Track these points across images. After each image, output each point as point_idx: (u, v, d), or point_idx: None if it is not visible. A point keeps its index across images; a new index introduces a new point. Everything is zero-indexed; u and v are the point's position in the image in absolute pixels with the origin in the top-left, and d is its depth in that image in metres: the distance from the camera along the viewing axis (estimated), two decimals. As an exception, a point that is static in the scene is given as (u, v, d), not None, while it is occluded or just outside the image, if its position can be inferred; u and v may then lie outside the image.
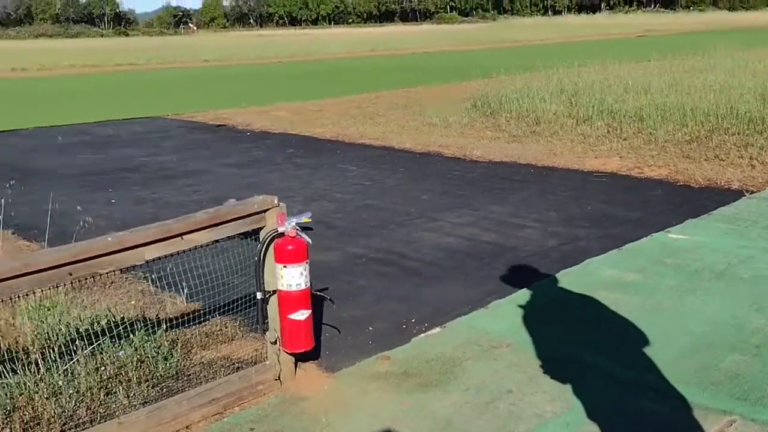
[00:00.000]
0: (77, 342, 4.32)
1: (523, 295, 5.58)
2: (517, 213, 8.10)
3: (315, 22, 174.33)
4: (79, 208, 6.89)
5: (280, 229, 4.13)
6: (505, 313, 5.26)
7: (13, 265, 3.38)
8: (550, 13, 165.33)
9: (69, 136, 15.22)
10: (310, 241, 4.22)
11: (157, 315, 5.12)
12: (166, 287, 5.69)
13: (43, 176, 10.99)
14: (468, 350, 4.66)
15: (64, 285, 3.93)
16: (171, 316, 5.11)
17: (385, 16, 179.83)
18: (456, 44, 59.59)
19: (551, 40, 59.14)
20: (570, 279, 5.88)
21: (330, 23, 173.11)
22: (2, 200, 5.73)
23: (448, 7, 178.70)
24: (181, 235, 3.84)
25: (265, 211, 4.17)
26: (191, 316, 4.89)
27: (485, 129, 14.16)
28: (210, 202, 9.11)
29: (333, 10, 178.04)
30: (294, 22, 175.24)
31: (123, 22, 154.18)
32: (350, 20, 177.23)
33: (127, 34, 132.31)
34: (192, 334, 4.87)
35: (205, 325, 5.00)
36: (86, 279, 3.80)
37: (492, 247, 6.93)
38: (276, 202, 4.20)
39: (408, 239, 7.35)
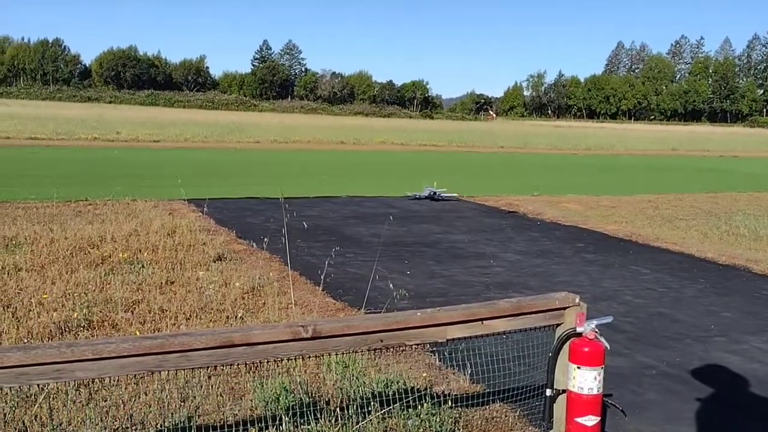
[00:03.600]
0: (371, 402, 4.68)
1: None
2: None
3: (614, 117, 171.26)
4: (391, 285, 7.48)
5: (579, 329, 4.09)
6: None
7: (336, 326, 3.81)
8: None
9: (377, 207, 16.73)
10: (608, 346, 4.11)
11: (443, 390, 5.32)
12: (451, 364, 5.92)
13: (354, 242, 12.18)
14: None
15: (374, 350, 4.29)
16: (455, 393, 5.28)
17: (690, 115, 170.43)
18: (772, 150, 54.24)
19: None
20: None
21: (630, 118, 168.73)
22: (326, 261, 6.53)
23: (765, 110, 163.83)
24: (482, 319, 4.00)
25: (565, 308, 4.18)
26: (473, 397, 5.03)
27: (807, 247, 12.56)
28: (496, 286, 9.34)
29: (635, 105, 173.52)
30: (592, 115, 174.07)
31: (430, 106, 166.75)
32: (652, 117, 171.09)
33: (432, 117, 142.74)
34: (473, 416, 4.97)
35: (486, 408, 5.08)
36: (391, 348, 4.13)
37: (811, 385, 6.05)
38: (577, 301, 4.19)
39: (705, 357, 6.76)
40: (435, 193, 18.40)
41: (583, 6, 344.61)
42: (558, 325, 4.21)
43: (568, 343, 4.13)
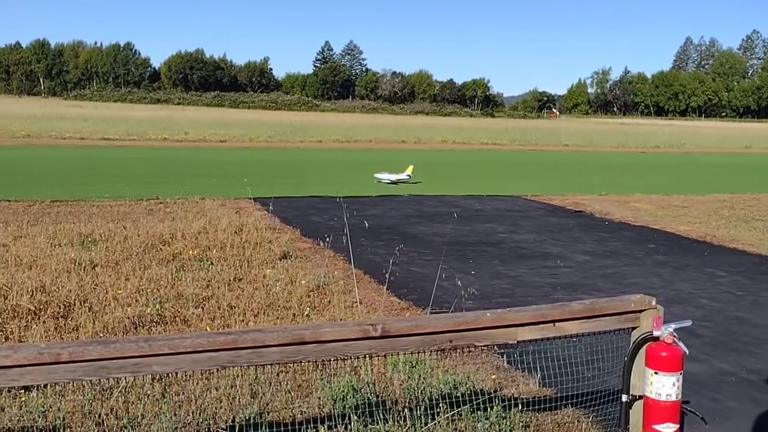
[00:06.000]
0: (439, 403, 4.62)
1: None
2: None
3: (683, 114, 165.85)
4: (459, 283, 7.40)
5: (656, 333, 3.95)
6: None
7: (405, 325, 3.77)
8: None
9: (438, 206, 16.65)
10: (687, 351, 3.95)
11: (512, 393, 5.22)
12: (519, 366, 5.81)
13: (416, 241, 12.14)
14: None
15: (441, 351, 4.23)
16: (524, 397, 5.17)
17: (765, 112, 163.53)
18: None
19: None
20: None
21: (700, 116, 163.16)
22: (391, 260, 6.53)
23: None
24: (554, 321, 3.90)
25: (641, 311, 4.04)
26: (543, 401, 4.91)
27: None
28: (564, 287, 9.14)
29: (705, 102, 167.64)
30: (660, 112, 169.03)
31: (491, 105, 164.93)
32: (723, 114, 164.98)
33: (493, 116, 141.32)
34: (544, 421, 4.85)
35: (557, 413, 4.96)
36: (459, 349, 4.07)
37: None
38: (654, 303, 4.05)
39: (788, 365, 6.44)
40: (408, 176, 21.48)
41: (649, 1, 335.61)
42: (633, 328, 4.08)
43: (644, 347, 3.99)
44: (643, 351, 4.00)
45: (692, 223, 14.80)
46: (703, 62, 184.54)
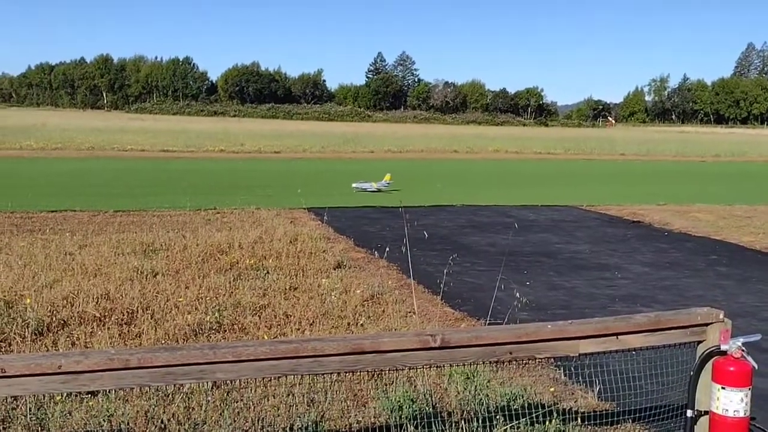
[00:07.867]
0: (497, 416, 4.58)
1: None
2: None
3: (744, 122, 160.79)
4: (517, 294, 7.35)
5: (723, 347, 3.83)
6: None
7: (465, 336, 3.75)
8: None
9: (492, 216, 16.53)
10: (756, 366, 3.82)
11: (570, 407, 5.14)
12: (577, 379, 5.71)
13: (469, 251, 12.08)
14: None
15: (497, 362, 4.20)
16: (582, 410, 5.08)
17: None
18: None
19: None
20: None
21: (762, 123, 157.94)
22: (445, 270, 6.52)
23: None
24: (617, 334, 3.82)
25: (707, 324, 3.93)
26: (602, 415, 4.82)
27: None
28: (622, 299, 8.96)
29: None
30: (720, 120, 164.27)
31: (544, 113, 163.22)
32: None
33: (547, 125, 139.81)
34: (603, 435, 4.76)
35: (617, 428, 4.86)
36: (520, 361, 4.03)
37: None
38: (721, 317, 3.93)
39: None
40: (387, 184, 21.79)
41: (709, 7, 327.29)
42: (699, 342, 3.96)
43: (710, 361, 3.88)
44: (709, 365, 3.88)
45: (756, 234, 14.33)
46: (766, 68, 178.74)
